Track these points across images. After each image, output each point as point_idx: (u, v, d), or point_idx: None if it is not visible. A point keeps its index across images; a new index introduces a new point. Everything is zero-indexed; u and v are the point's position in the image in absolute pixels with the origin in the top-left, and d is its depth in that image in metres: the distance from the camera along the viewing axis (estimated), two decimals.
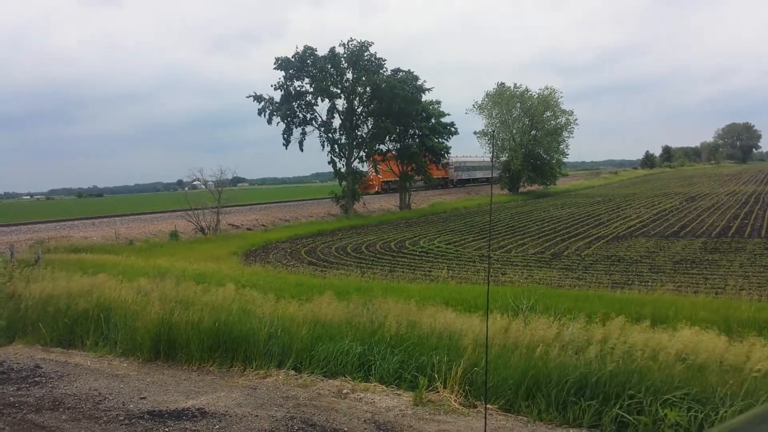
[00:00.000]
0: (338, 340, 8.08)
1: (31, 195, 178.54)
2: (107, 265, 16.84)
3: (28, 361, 8.98)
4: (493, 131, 73.76)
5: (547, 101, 73.18)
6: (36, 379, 8.10)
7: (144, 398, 7.15)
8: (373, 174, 60.99)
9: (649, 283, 16.88)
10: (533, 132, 73.86)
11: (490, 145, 75.39)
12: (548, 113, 73.91)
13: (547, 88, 74.23)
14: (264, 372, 7.90)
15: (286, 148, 48.42)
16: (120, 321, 9.53)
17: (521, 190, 75.10)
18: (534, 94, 73.92)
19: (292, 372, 7.82)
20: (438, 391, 6.81)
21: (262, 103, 46.15)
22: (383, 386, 7.14)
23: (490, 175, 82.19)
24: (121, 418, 6.54)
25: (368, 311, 9.02)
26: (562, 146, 75.37)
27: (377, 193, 62.19)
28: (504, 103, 73.16)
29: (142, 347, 8.85)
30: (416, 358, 7.27)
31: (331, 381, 7.45)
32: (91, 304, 10.05)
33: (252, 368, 8.03)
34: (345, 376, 7.46)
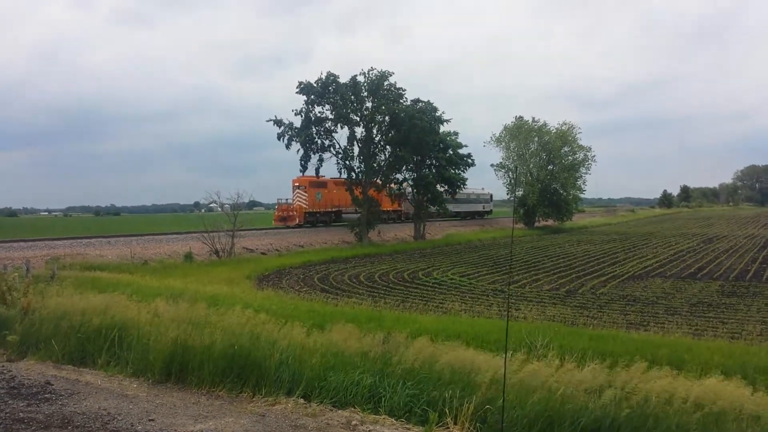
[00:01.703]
0: (349, 370, 8.02)
1: (49, 211, 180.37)
2: (121, 284, 16.91)
3: (39, 378, 8.98)
4: (515, 167, 73.46)
5: (565, 136, 73.26)
6: (46, 395, 8.09)
7: (152, 420, 7.12)
8: (301, 203, 52.64)
9: (665, 325, 16.68)
10: (550, 167, 73.84)
11: (507, 179, 75.46)
12: (566, 148, 73.94)
13: (565, 124, 74.47)
14: (273, 399, 7.84)
15: (303, 174, 48.76)
16: (133, 341, 9.54)
17: (536, 224, 74.80)
18: (552, 128, 74.12)
19: (302, 400, 7.75)
20: (448, 427, 6.72)
21: (282, 128, 46.51)
22: (393, 419, 7.06)
23: (470, 209, 76.18)
24: None
25: (381, 342, 8.96)
26: (579, 182, 75.24)
27: (298, 226, 51.07)
28: (522, 136, 73.28)
29: (153, 368, 8.84)
30: (428, 392, 7.19)
31: (340, 411, 7.38)
32: (104, 323, 10.06)
33: (261, 395, 7.98)
34: (354, 407, 7.39)
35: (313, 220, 53.51)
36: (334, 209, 55.57)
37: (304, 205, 52.25)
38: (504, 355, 7.11)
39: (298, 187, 52.54)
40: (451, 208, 65.83)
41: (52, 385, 8.60)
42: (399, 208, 63.90)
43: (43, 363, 9.83)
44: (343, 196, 53.49)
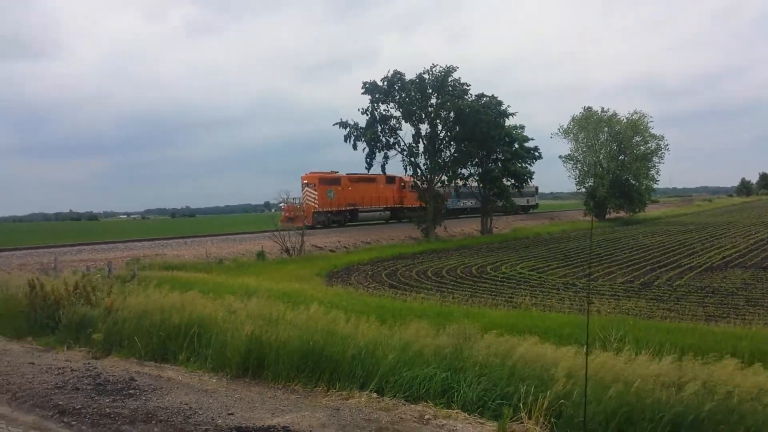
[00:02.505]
0: (421, 364, 8.05)
1: (128, 214, 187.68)
2: (198, 283, 17.46)
3: (124, 374, 9.38)
4: (585, 158, 71.63)
5: (636, 126, 71.16)
6: (130, 391, 8.44)
7: (232, 414, 7.34)
8: (310, 202, 47.65)
9: (746, 317, 16.00)
10: (621, 157, 71.93)
11: (576, 170, 73.93)
12: (637, 138, 71.84)
13: (636, 113, 72.33)
14: (347, 393, 7.96)
15: (368, 171, 49.10)
16: (211, 337, 9.84)
17: (608, 216, 72.94)
18: (622, 118, 72.13)
19: (375, 395, 7.84)
20: (523, 422, 6.66)
21: (348, 129, 47.02)
22: (466, 414, 7.05)
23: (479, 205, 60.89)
24: None
25: (452, 336, 8.94)
26: (651, 172, 73.00)
27: (307, 228, 42.86)
28: (591, 127, 71.61)
29: (231, 363, 9.11)
30: (501, 386, 7.14)
31: (413, 406, 7.42)
32: (183, 320, 10.42)
33: (335, 389, 8.11)
34: (427, 402, 7.42)
35: (325, 220, 48.56)
36: (349, 208, 50.64)
37: (314, 205, 47.72)
38: (585, 349, 6.97)
39: (307, 184, 48.59)
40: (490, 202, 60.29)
41: (136, 381, 8.97)
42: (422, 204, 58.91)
43: (127, 360, 10.27)
44: (360, 192, 51.41)
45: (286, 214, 46.67)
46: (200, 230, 53.22)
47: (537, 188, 77.94)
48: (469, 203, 63.69)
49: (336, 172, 50.09)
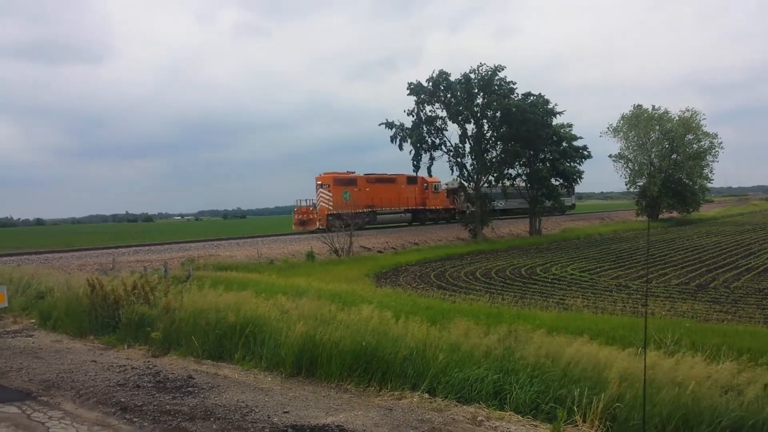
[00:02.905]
0: (472, 365, 8.07)
1: (182, 216, 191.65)
2: (251, 283, 17.79)
3: (182, 372, 9.66)
4: (636, 157, 69.55)
5: (688, 123, 69.30)
6: (189, 389, 8.69)
7: (287, 412, 7.50)
8: (324, 204, 44.72)
9: None
10: (674, 156, 70.18)
11: (626, 170, 72.47)
12: (690, 136, 69.94)
13: (688, 110, 70.42)
14: (399, 393, 8.04)
15: (416, 173, 49.07)
16: (265, 337, 10.06)
17: (660, 216, 71.28)
18: (674, 116, 70.36)
19: (426, 395, 7.90)
20: (577, 425, 6.63)
21: (394, 130, 47.16)
22: (519, 416, 7.05)
23: (521, 206, 58.28)
24: (267, 430, 6.89)
25: (502, 338, 8.94)
26: (705, 171, 71.03)
27: (319, 231, 41.60)
28: (641, 125, 70.09)
29: (285, 363, 9.30)
30: (554, 388, 7.12)
31: (465, 407, 7.46)
32: (238, 320, 10.66)
33: (387, 389, 8.21)
34: (479, 403, 7.44)
35: (340, 223, 43.12)
36: (366, 209, 46.28)
37: (328, 207, 44.51)
38: (643, 351, 6.89)
39: (321, 185, 45.71)
40: (518, 204, 57.24)
41: (194, 379, 9.24)
42: (451, 206, 55.71)
43: (185, 358, 10.56)
44: (379, 193, 48.37)
45: (299, 217, 45.17)
46: (251, 231, 54.10)
47: (574, 187, 68.84)
48: (515, 203, 60.12)
49: (352, 173, 47.88)
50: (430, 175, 50.46)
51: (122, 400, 8.16)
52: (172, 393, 8.50)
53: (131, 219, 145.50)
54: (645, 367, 6.37)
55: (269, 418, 7.31)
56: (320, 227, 42.75)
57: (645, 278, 25.02)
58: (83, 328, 12.88)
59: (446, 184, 56.23)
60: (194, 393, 8.47)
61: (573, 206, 73.59)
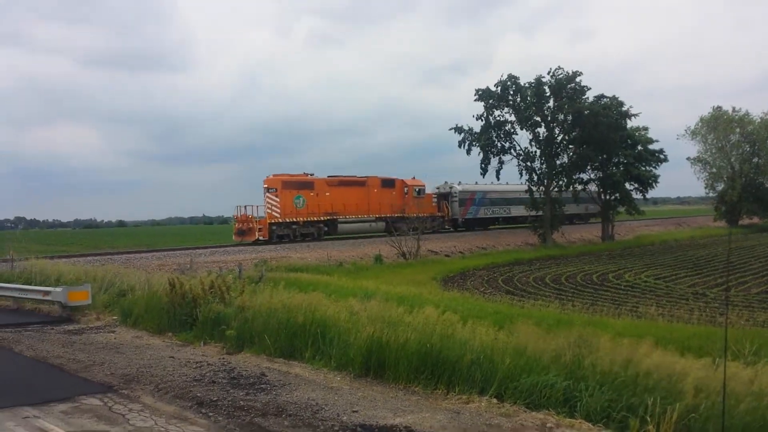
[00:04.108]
0: (541, 372, 8.00)
1: None
2: (320, 285, 18.12)
3: (255, 369, 9.96)
4: (715, 160, 66.53)
5: None
6: (261, 386, 8.96)
7: (356, 412, 7.64)
8: (270, 211, 38.72)
9: None
10: (755, 159, 67.11)
11: (705, 173, 69.87)
12: None
13: None
14: (467, 397, 8.05)
15: (483, 177, 48.66)
16: (334, 337, 10.25)
17: (741, 222, 68.30)
18: (756, 118, 67.26)
19: (495, 400, 7.88)
20: None
21: (462, 135, 47.00)
22: (590, 424, 6.94)
23: (530, 213, 50.21)
24: (336, 428, 7.04)
25: (572, 344, 8.81)
26: None
27: (257, 242, 37.17)
28: (720, 128, 67.37)
29: (353, 363, 9.45)
30: (626, 397, 6.98)
31: (534, 413, 7.40)
32: (308, 320, 10.91)
33: (455, 392, 8.22)
34: (549, 410, 7.36)
35: (288, 233, 39.17)
36: (325, 217, 41.05)
37: (275, 214, 38.60)
38: (723, 361, 6.67)
39: (268, 189, 39.28)
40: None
41: (267, 376, 9.51)
42: (438, 213, 48.54)
43: (258, 356, 10.88)
44: (343, 198, 41.95)
45: (238, 226, 38.74)
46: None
47: (600, 193, 57.29)
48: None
49: (311, 174, 42.01)
50: (498, 180, 49.44)
51: (198, 395, 8.49)
52: (246, 389, 8.78)
53: (208, 222, 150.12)
54: (725, 377, 6.16)
55: (339, 416, 7.46)
56: (260, 238, 37.42)
57: (725, 286, 24.07)
58: (162, 325, 13.43)
59: (437, 188, 51.64)
60: (267, 390, 8.73)
61: (598, 213, 59.44)
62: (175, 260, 27.14)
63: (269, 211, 38.62)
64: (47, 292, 16.40)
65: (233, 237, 39.07)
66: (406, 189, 46.60)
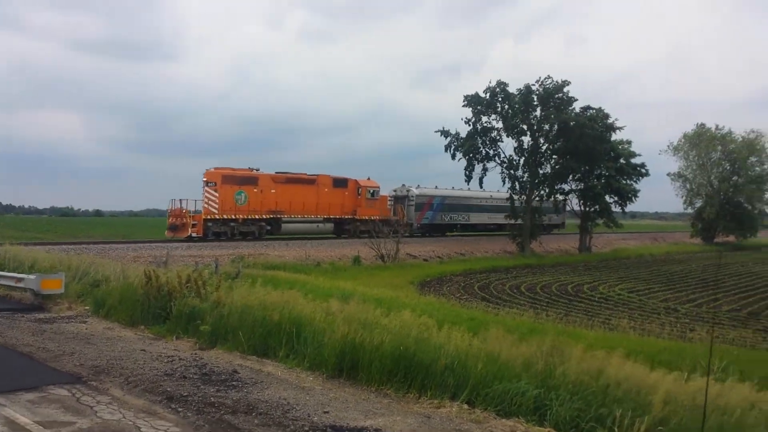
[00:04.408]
0: (512, 379, 8.05)
1: None
2: (297, 283, 18.07)
3: (227, 366, 9.90)
4: (694, 177, 67.47)
5: (753, 145, 67.25)
6: (233, 383, 8.91)
7: (327, 412, 7.63)
8: (208, 206, 36.50)
9: None
10: (735, 178, 68.11)
11: (684, 190, 70.77)
12: (753, 158, 67.80)
13: (753, 131, 68.27)
14: (438, 402, 8.08)
15: (468, 183, 48.84)
16: (309, 336, 10.22)
17: (716, 240, 69.28)
18: (738, 137, 68.29)
19: (466, 406, 7.91)
20: None
21: (449, 139, 47.17)
22: None
23: (501, 220, 50.78)
24: (306, 428, 7.03)
25: (544, 353, 8.87)
26: (767, 195, 68.74)
27: (192, 239, 34.93)
28: (703, 145, 68.33)
29: (327, 363, 9.43)
30: (595, 407, 7.05)
31: (504, 420, 7.44)
32: (283, 318, 10.85)
33: (427, 396, 8.24)
34: (518, 417, 7.41)
35: (226, 230, 37.02)
36: (268, 215, 39.02)
37: (212, 210, 36.36)
38: (706, 376, 6.75)
39: (207, 183, 37.00)
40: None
41: (239, 373, 9.46)
42: (393, 217, 45.29)
43: (231, 353, 10.81)
44: (289, 196, 39.76)
45: (171, 221, 36.44)
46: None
47: (564, 203, 55.67)
48: (479, 217, 53.89)
49: (255, 170, 39.96)
50: (481, 187, 49.55)
51: (168, 389, 8.42)
52: (217, 386, 8.73)
53: None
54: (707, 389, 6.25)
55: (309, 416, 7.45)
56: (193, 235, 35.18)
57: (714, 304, 24.41)
58: (135, 317, 13.29)
59: (394, 191, 49.50)
60: (238, 387, 8.68)
61: (562, 225, 61.33)
62: (152, 252, 26.92)
63: (206, 206, 36.57)
64: (20, 279, 16.17)
65: (165, 232, 36.62)
66: (359, 190, 44.42)
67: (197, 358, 10.37)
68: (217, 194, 36.47)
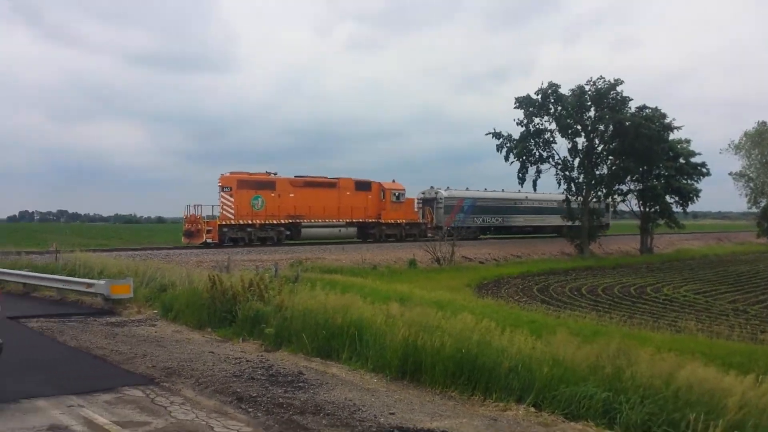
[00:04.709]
0: (579, 382, 7.94)
1: None
2: (355, 287, 18.22)
3: (293, 368, 10.07)
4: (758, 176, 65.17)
5: None
6: (299, 384, 9.06)
7: (393, 414, 7.68)
8: (224, 211, 36.58)
9: None
10: None
11: (747, 188, 68.31)
12: None
13: None
14: (504, 405, 8.03)
15: (522, 186, 48.29)
16: (370, 339, 10.30)
17: None
18: None
19: (532, 409, 7.84)
20: None
21: (501, 140, 46.75)
22: None
23: (538, 222, 51.77)
24: (374, 429, 7.09)
25: (613, 356, 8.72)
26: None
27: (205, 245, 34.39)
28: (765, 143, 65.76)
29: (390, 365, 9.49)
30: (667, 411, 6.90)
31: (572, 423, 7.35)
32: (345, 321, 10.97)
33: (492, 399, 8.20)
34: (587, 421, 7.30)
35: (243, 236, 36.53)
36: (287, 220, 38.29)
37: (229, 215, 36.26)
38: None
39: (223, 188, 36.99)
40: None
41: (304, 375, 9.61)
42: (420, 221, 45.97)
43: (295, 355, 10.99)
44: (309, 201, 39.12)
45: (187, 227, 36.22)
46: None
47: (608, 204, 54.87)
48: (525, 219, 52.58)
49: (273, 174, 39.35)
50: (535, 190, 49.00)
51: (238, 390, 8.62)
52: (284, 387, 8.89)
53: None
54: None
55: (376, 418, 7.52)
56: (209, 241, 34.61)
57: None
58: (202, 320, 13.66)
59: (422, 193, 48.74)
60: (304, 388, 8.82)
61: (606, 226, 57.37)
62: (213, 258, 27.54)
63: (223, 211, 36.48)
64: (90, 284, 16.79)
65: (182, 239, 36.56)
66: (383, 193, 43.52)
67: (263, 360, 10.58)
68: (232, 199, 36.34)
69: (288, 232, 38.53)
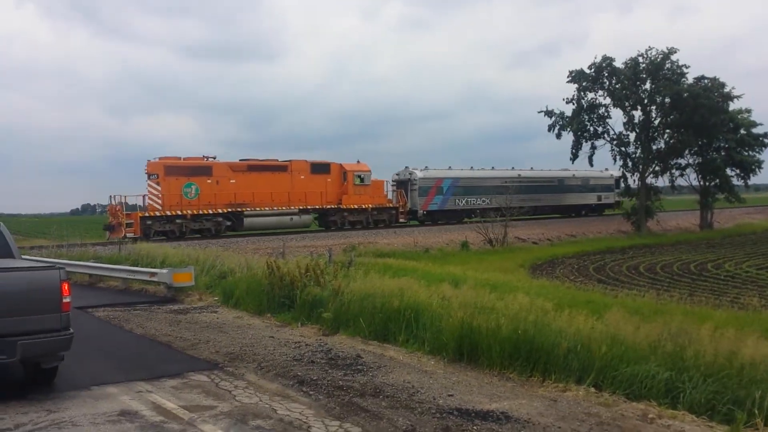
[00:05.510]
0: (639, 362, 7.86)
1: None
2: (408, 270, 18.32)
3: (351, 351, 10.24)
4: None
5: None
6: (358, 367, 9.21)
7: (451, 396, 7.75)
8: (151, 202, 33.24)
9: None
10: None
11: None
12: None
13: None
14: (563, 385, 8.01)
15: (573, 162, 47.57)
16: (427, 321, 10.38)
17: None
18: None
19: (593, 389, 7.79)
20: (758, 429, 6.29)
21: (553, 119, 46.06)
22: (693, 416, 6.78)
23: (537, 202, 47.07)
24: (433, 411, 7.18)
25: (674, 334, 8.58)
26: None
27: (124, 240, 29.60)
28: None
29: (447, 348, 9.56)
30: (733, 390, 6.79)
31: (634, 404, 7.28)
32: (401, 304, 11.06)
33: (551, 380, 8.18)
34: (650, 401, 7.23)
35: (172, 228, 32.92)
36: (226, 209, 34.63)
37: (156, 205, 32.77)
38: None
39: (150, 176, 33.54)
40: (524, 201, 43.19)
41: (362, 358, 9.76)
42: (390, 205, 41.98)
43: (353, 338, 11.16)
44: (254, 186, 35.41)
45: (110, 220, 33.49)
46: None
47: (617, 179, 52.03)
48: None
49: (211, 158, 35.67)
50: (592, 165, 48.12)
51: (299, 373, 8.82)
52: (344, 370, 9.05)
53: None
54: None
55: (435, 399, 7.60)
56: (129, 235, 31.10)
57: None
58: (261, 306, 13.97)
59: (396, 174, 45.22)
60: (363, 371, 8.96)
61: (617, 204, 54.52)
62: (269, 245, 28.05)
63: (149, 202, 33.13)
64: (153, 274, 17.34)
65: (107, 234, 33.40)
66: (345, 175, 39.42)
67: (322, 344, 10.77)
68: (159, 188, 33.01)
69: (228, 223, 35.09)
